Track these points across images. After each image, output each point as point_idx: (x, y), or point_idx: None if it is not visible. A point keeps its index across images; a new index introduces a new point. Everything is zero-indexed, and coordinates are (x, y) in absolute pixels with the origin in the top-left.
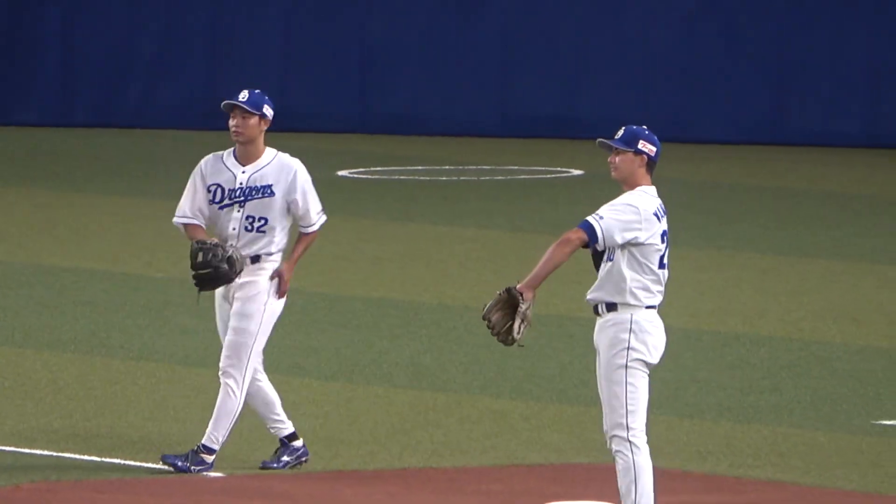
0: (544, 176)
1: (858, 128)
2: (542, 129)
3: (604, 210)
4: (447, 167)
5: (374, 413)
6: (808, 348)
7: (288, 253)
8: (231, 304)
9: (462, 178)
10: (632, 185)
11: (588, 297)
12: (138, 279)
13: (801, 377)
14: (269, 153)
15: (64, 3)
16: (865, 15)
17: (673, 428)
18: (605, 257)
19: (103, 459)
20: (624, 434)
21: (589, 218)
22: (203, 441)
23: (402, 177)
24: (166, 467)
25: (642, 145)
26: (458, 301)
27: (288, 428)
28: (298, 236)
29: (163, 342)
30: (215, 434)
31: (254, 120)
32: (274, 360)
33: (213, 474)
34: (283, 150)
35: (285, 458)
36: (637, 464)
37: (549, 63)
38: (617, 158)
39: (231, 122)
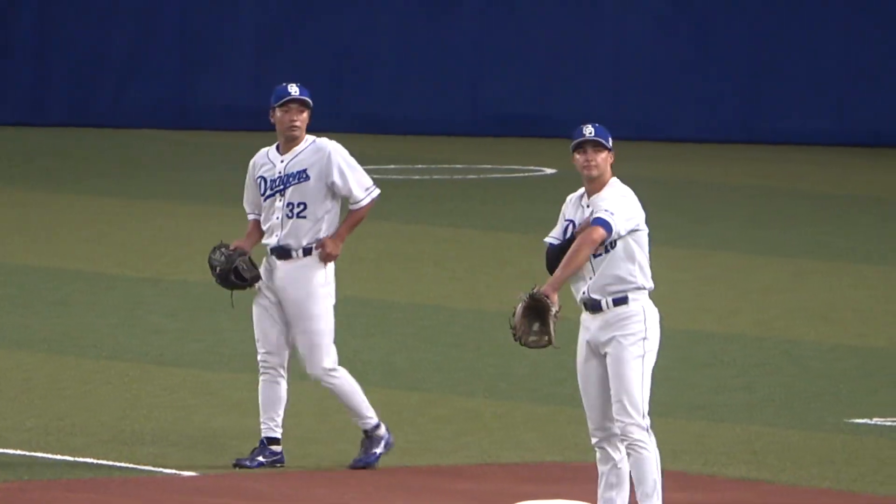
0: (517, 175)
1: (831, 126)
2: (514, 128)
3: (609, 205)
4: (420, 166)
5: (347, 412)
6: (781, 347)
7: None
8: (275, 297)
9: (435, 177)
10: (604, 182)
11: (587, 296)
12: (111, 279)
13: (774, 375)
14: (307, 140)
15: (37, 2)
16: (838, 13)
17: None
18: (595, 254)
19: (76, 459)
20: (642, 423)
21: (602, 215)
22: (364, 429)
23: (375, 176)
24: (147, 467)
25: (611, 143)
26: (431, 300)
27: (276, 433)
28: (348, 212)
29: (135, 341)
30: (366, 418)
31: (307, 113)
32: (247, 359)
33: (185, 473)
34: (255, 151)
35: (260, 459)
36: (656, 451)
37: (521, 62)
38: (599, 157)
39: (287, 118)
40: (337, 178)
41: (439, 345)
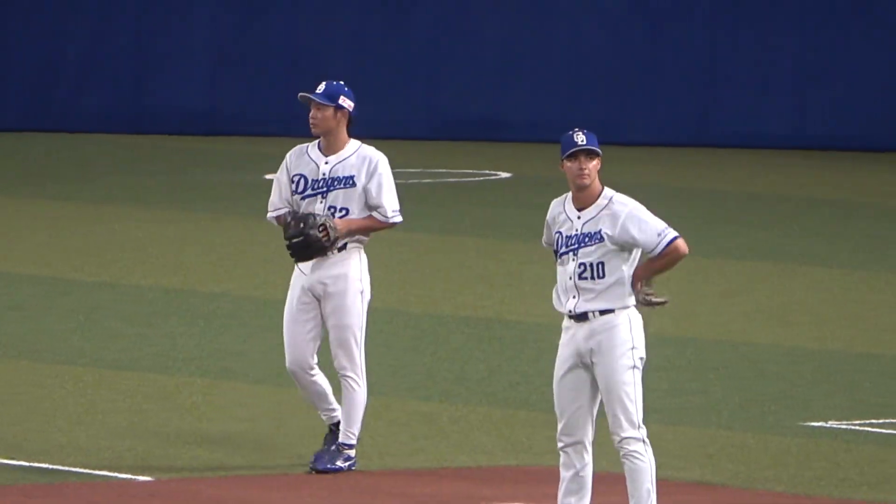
0: (472, 179)
1: (784, 129)
2: (469, 131)
3: (656, 222)
4: None
5: (303, 416)
6: (737, 350)
7: (367, 246)
8: (313, 297)
9: None
10: (595, 191)
11: (582, 308)
12: (66, 283)
13: (730, 379)
14: (353, 144)
15: None
16: (790, 16)
17: (601, 430)
18: (607, 270)
19: (31, 464)
20: (638, 434)
21: (671, 233)
22: (340, 440)
23: None
24: (102, 472)
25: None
26: (386, 304)
27: (336, 417)
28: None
29: (91, 346)
30: (351, 430)
31: (328, 111)
32: (202, 363)
33: (141, 478)
34: (213, 155)
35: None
36: (651, 461)
37: (476, 66)
38: (591, 165)
39: (309, 115)
40: (373, 188)
41: (395, 349)
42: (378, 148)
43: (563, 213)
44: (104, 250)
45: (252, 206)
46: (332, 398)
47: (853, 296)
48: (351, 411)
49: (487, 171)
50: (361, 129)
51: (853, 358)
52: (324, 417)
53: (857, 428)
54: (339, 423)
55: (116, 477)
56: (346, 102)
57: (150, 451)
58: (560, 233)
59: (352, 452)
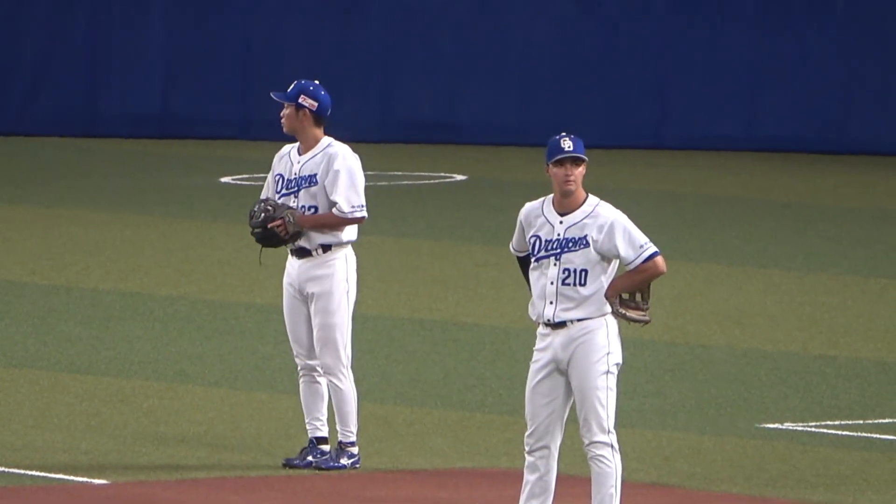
0: (427, 181)
1: (738, 131)
2: (423, 134)
3: (638, 234)
4: None
5: (258, 419)
6: (693, 352)
7: (355, 245)
8: (303, 297)
9: None
10: (579, 197)
11: (560, 318)
12: (21, 287)
13: (686, 381)
14: (323, 143)
15: None
16: (744, 17)
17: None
18: (588, 279)
19: None
20: (607, 439)
21: (651, 248)
22: (340, 439)
23: None
24: (58, 475)
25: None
26: None
27: (322, 431)
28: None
29: (46, 350)
30: (347, 429)
31: (290, 110)
32: (158, 366)
33: (97, 481)
34: (166, 158)
35: (310, 459)
36: (618, 466)
37: (429, 67)
38: (577, 171)
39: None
40: (329, 183)
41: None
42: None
43: (541, 217)
44: (59, 254)
45: (208, 208)
46: (324, 411)
47: (808, 298)
48: (342, 408)
49: (442, 174)
50: None
51: (808, 360)
52: (309, 428)
53: (813, 430)
54: (319, 438)
55: (73, 480)
56: (308, 101)
57: (106, 454)
58: (538, 236)
59: (354, 450)
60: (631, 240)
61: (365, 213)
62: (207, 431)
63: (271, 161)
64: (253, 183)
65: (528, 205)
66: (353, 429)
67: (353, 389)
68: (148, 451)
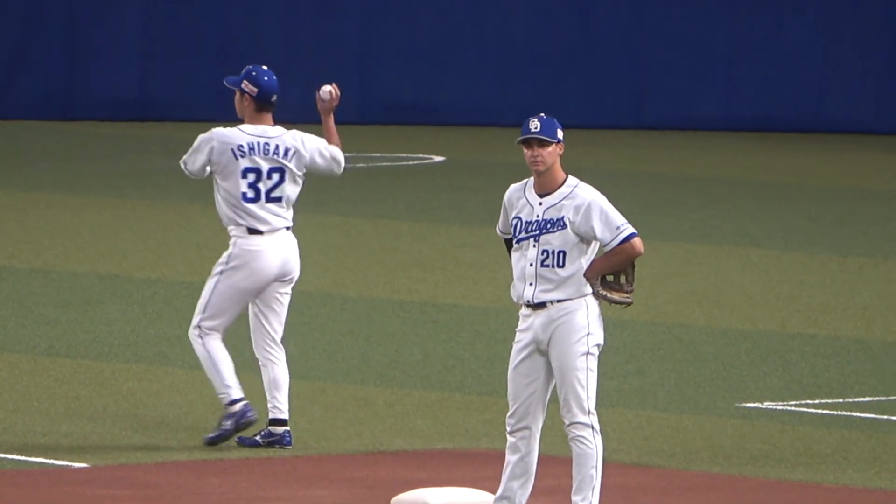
0: (406, 163)
1: (717, 111)
2: (402, 115)
3: (616, 216)
4: None
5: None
6: (672, 332)
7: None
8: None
9: None
10: (557, 177)
11: (540, 298)
12: (0, 270)
13: (665, 360)
14: (275, 130)
15: None
16: None
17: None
18: (567, 260)
19: None
20: (587, 420)
21: (628, 230)
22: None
23: None
24: (38, 459)
25: (559, 134)
26: (320, 289)
27: (276, 413)
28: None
29: (25, 333)
30: (221, 390)
31: (237, 95)
32: (138, 349)
33: (77, 464)
34: (145, 141)
35: (257, 438)
36: (599, 447)
37: (407, 49)
38: (545, 152)
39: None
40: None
41: (330, 333)
42: (309, 132)
43: (522, 199)
44: (38, 237)
45: (186, 191)
46: (271, 391)
47: (787, 277)
48: (208, 373)
49: (421, 155)
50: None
51: (787, 339)
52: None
53: (793, 409)
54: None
55: (52, 463)
56: (248, 87)
57: (86, 437)
58: (519, 218)
59: (233, 408)
60: (608, 221)
61: (184, 169)
62: (187, 414)
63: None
64: None
65: (511, 186)
66: (225, 389)
67: (215, 352)
68: (128, 433)
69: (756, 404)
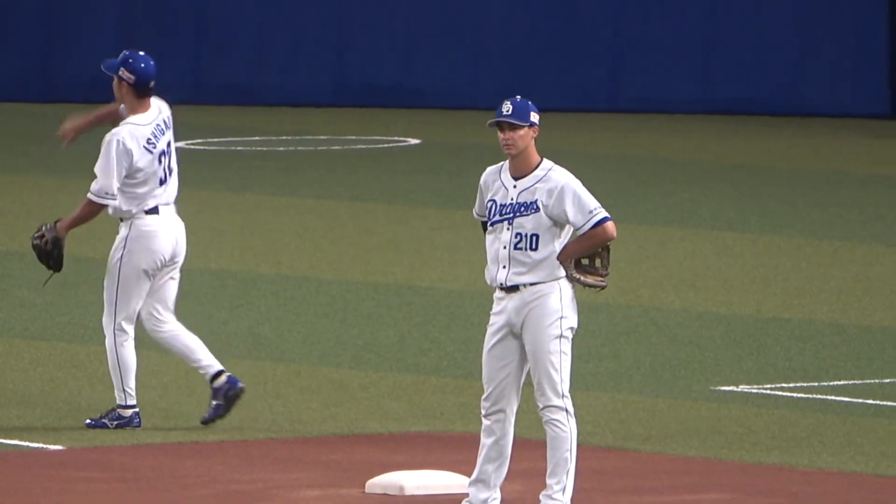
0: (382, 146)
1: (693, 94)
2: (378, 98)
3: (590, 200)
4: (284, 137)
5: None
6: (647, 315)
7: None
8: None
9: (299, 148)
10: (531, 160)
11: (513, 281)
12: None
13: (641, 344)
14: (152, 113)
15: None
16: None
17: (522, 398)
18: (540, 243)
19: None
20: (561, 403)
21: (601, 213)
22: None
23: (239, 148)
24: (13, 441)
25: (534, 117)
26: (296, 272)
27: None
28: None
29: (1, 315)
30: (120, 394)
31: (115, 82)
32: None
33: (52, 447)
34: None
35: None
36: (573, 431)
37: (384, 31)
38: (516, 135)
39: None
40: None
41: (305, 316)
42: (286, 115)
43: (498, 181)
44: (13, 220)
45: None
46: (199, 354)
47: (762, 260)
48: (113, 374)
49: (397, 138)
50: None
51: (763, 322)
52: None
53: (768, 392)
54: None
55: (28, 446)
56: (126, 74)
57: (61, 420)
58: (494, 200)
59: (126, 412)
60: (581, 204)
61: (98, 199)
62: (162, 397)
63: (226, 124)
64: (207, 148)
65: (488, 169)
66: (117, 392)
67: (116, 356)
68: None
69: (731, 388)
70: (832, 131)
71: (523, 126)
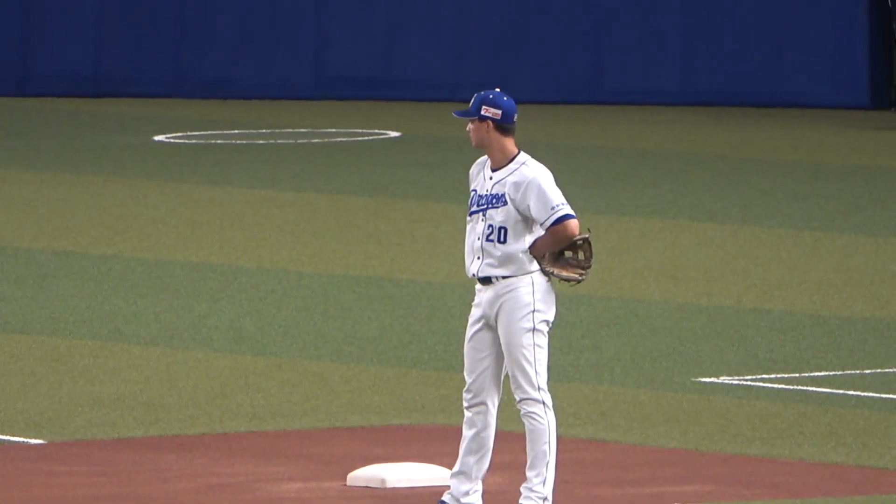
0: (362, 138)
1: (672, 85)
2: (357, 90)
3: (556, 196)
4: (264, 130)
5: (195, 377)
6: (628, 306)
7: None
8: None
9: (279, 141)
10: (505, 152)
11: (485, 273)
12: None
13: (622, 335)
14: None
15: None
16: None
17: (504, 390)
18: (509, 236)
19: None
20: (538, 396)
21: (564, 210)
22: None
23: (218, 141)
24: (5, 437)
25: (485, 110)
26: (276, 265)
27: None
28: None
29: None
30: None
31: None
32: (93, 325)
33: (33, 441)
34: (100, 117)
35: None
36: (551, 423)
37: (363, 24)
38: (471, 127)
39: None
40: None
41: (286, 309)
42: (265, 108)
43: (481, 173)
44: None
45: (141, 167)
46: None
47: (743, 251)
48: None
49: (377, 131)
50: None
51: (743, 313)
52: None
53: (749, 383)
54: None
55: (9, 440)
56: None
57: (42, 414)
58: (475, 191)
59: None
60: (544, 200)
61: None
62: (143, 390)
63: (206, 118)
64: (186, 141)
65: (477, 160)
66: None
67: None
68: (84, 410)
69: (712, 379)
70: (812, 122)
71: (474, 119)
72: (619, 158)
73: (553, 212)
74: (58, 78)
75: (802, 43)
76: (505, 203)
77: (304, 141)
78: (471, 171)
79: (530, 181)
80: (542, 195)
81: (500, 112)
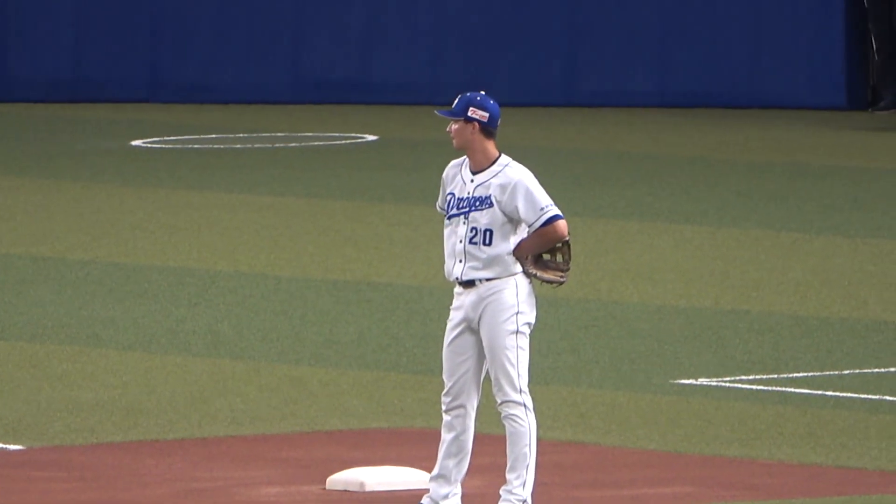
0: (339, 142)
1: (649, 87)
2: (334, 94)
3: (543, 198)
4: (241, 135)
5: (173, 382)
6: (606, 308)
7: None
8: None
9: (256, 145)
10: (487, 154)
11: (468, 276)
12: None
13: (600, 337)
14: None
15: None
16: None
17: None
18: (494, 239)
19: None
20: (519, 398)
21: (552, 212)
22: None
23: (195, 146)
24: None
25: (472, 112)
26: (254, 269)
27: None
28: None
29: None
30: None
31: None
32: (71, 330)
33: (11, 447)
34: (77, 122)
35: None
36: (531, 425)
37: (340, 27)
38: (454, 128)
39: None
40: None
41: (264, 313)
42: (242, 113)
43: (458, 175)
44: None
45: (120, 172)
46: None
47: (720, 253)
48: None
49: (354, 134)
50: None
51: (721, 315)
52: None
53: (727, 385)
54: None
55: None
56: None
57: (20, 420)
58: (452, 194)
59: None
60: (532, 201)
61: None
62: (122, 395)
63: (183, 122)
64: (163, 146)
65: (451, 162)
66: None
67: None
68: (62, 415)
69: (691, 381)
70: (789, 123)
71: (459, 120)
72: (595, 161)
73: (542, 213)
74: (36, 83)
75: (779, 44)
76: (490, 205)
77: (282, 145)
78: (445, 174)
79: (517, 183)
80: (529, 196)
81: (487, 115)
